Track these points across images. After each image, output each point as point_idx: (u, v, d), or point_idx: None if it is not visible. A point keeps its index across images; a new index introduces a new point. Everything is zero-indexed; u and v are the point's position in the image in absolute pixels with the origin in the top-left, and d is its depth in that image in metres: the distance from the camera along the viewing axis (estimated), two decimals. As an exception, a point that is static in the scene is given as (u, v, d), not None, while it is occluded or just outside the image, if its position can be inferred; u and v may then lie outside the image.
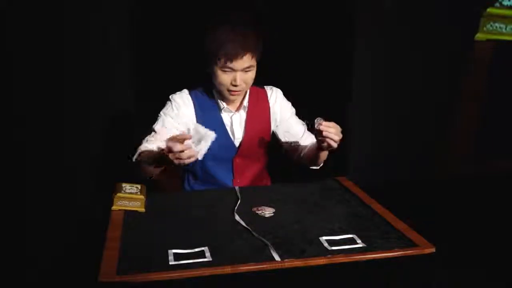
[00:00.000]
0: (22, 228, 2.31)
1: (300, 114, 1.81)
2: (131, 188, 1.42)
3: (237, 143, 1.67)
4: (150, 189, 1.48)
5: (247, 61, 1.47)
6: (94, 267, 1.06)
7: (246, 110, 1.67)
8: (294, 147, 1.74)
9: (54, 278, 2.12)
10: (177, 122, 1.59)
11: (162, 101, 1.67)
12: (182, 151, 1.22)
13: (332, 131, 1.44)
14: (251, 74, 1.54)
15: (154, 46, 2.46)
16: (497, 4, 3.08)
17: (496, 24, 3.11)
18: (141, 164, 1.49)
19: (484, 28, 3.09)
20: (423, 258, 1.17)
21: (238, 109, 1.66)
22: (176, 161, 1.25)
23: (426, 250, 1.17)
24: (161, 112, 1.62)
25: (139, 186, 1.45)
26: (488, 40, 3.12)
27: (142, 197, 1.39)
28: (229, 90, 1.54)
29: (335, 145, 1.46)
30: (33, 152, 2.27)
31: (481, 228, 2.57)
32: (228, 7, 1.61)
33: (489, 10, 3.05)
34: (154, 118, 1.65)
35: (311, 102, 1.88)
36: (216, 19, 1.50)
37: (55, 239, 2.32)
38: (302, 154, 1.72)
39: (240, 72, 1.49)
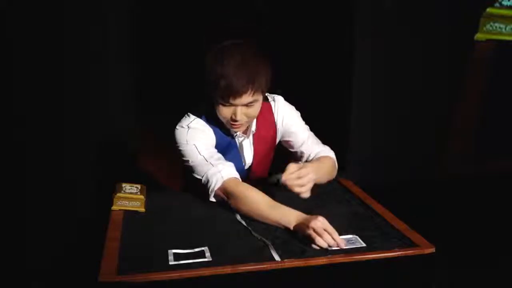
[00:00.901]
0: (22, 228, 2.31)
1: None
2: (131, 188, 1.42)
3: (246, 166, 1.63)
4: (150, 189, 1.48)
5: (247, 98, 1.34)
6: (94, 267, 1.06)
7: (254, 133, 1.59)
8: (299, 156, 1.70)
9: (54, 278, 2.12)
10: (212, 143, 1.48)
11: (161, 101, 1.67)
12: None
13: (292, 177, 1.30)
14: (255, 108, 1.40)
15: (155, 49, 2.46)
16: (497, 4, 3.08)
17: (496, 24, 3.11)
18: (243, 201, 1.34)
19: (484, 28, 3.09)
20: (423, 258, 1.17)
21: (245, 133, 1.57)
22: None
23: (426, 250, 1.17)
24: (190, 142, 1.44)
25: (139, 186, 1.45)
26: (488, 40, 3.12)
27: (142, 197, 1.39)
28: (230, 123, 1.43)
29: (303, 190, 1.31)
30: (33, 152, 2.27)
31: (481, 228, 2.56)
32: (228, 9, 1.59)
33: (489, 10, 3.05)
34: (154, 118, 1.64)
35: (311, 102, 1.88)
36: (217, 47, 1.36)
37: (55, 239, 2.32)
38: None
39: (240, 107, 1.36)
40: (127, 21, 2.33)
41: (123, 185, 1.43)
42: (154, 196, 1.46)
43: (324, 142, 1.76)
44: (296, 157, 1.69)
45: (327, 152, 1.60)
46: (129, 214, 1.34)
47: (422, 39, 2.86)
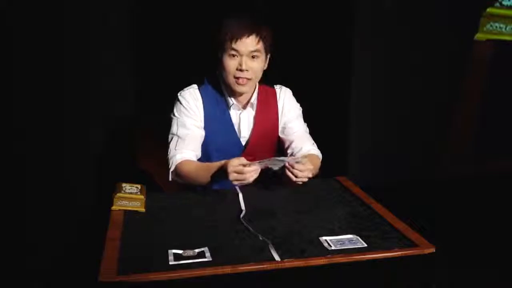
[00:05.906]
0: (22, 228, 2.30)
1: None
2: (131, 188, 1.42)
3: (243, 141, 1.66)
4: (150, 189, 1.48)
5: (252, 44, 1.48)
6: (94, 267, 1.06)
7: (255, 108, 1.66)
8: (290, 147, 1.74)
9: (54, 278, 2.12)
10: (194, 119, 1.59)
11: (161, 101, 1.67)
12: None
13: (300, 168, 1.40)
14: (259, 63, 1.53)
15: (154, 46, 2.46)
16: (497, 4, 3.08)
17: (496, 24, 3.11)
18: (185, 176, 1.53)
19: (484, 28, 3.09)
20: (423, 258, 1.17)
21: (245, 106, 1.65)
22: (235, 182, 1.35)
23: (426, 250, 1.17)
24: (175, 114, 1.60)
25: (139, 186, 1.45)
26: (488, 40, 3.12)
27: (142, 197, 1.39)
28: (235, 77, 1.52)
29: (304, 179, 1.41)
30: (34, 152, 2.27)
31: (481, 228, 2.56)
32: (228, 9, 1.62)
33: (489, 10, 3.05)
34: (154, 118, 1.65)
35: (311, 102, 1.88)
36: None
37: (55, 239, 2.32)
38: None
39: (245, 57, 1.50)
40: (127, 21, 2.33)
41: (123, 185, 1.43)
42: (154, 196, 1.46)
43: (324, 142, 1.77)
44: (287, 148, 1.72)
45: (317, 151, 1.68)
46: (129, 214, 1.34)
47: (422, 39, 2.86)
